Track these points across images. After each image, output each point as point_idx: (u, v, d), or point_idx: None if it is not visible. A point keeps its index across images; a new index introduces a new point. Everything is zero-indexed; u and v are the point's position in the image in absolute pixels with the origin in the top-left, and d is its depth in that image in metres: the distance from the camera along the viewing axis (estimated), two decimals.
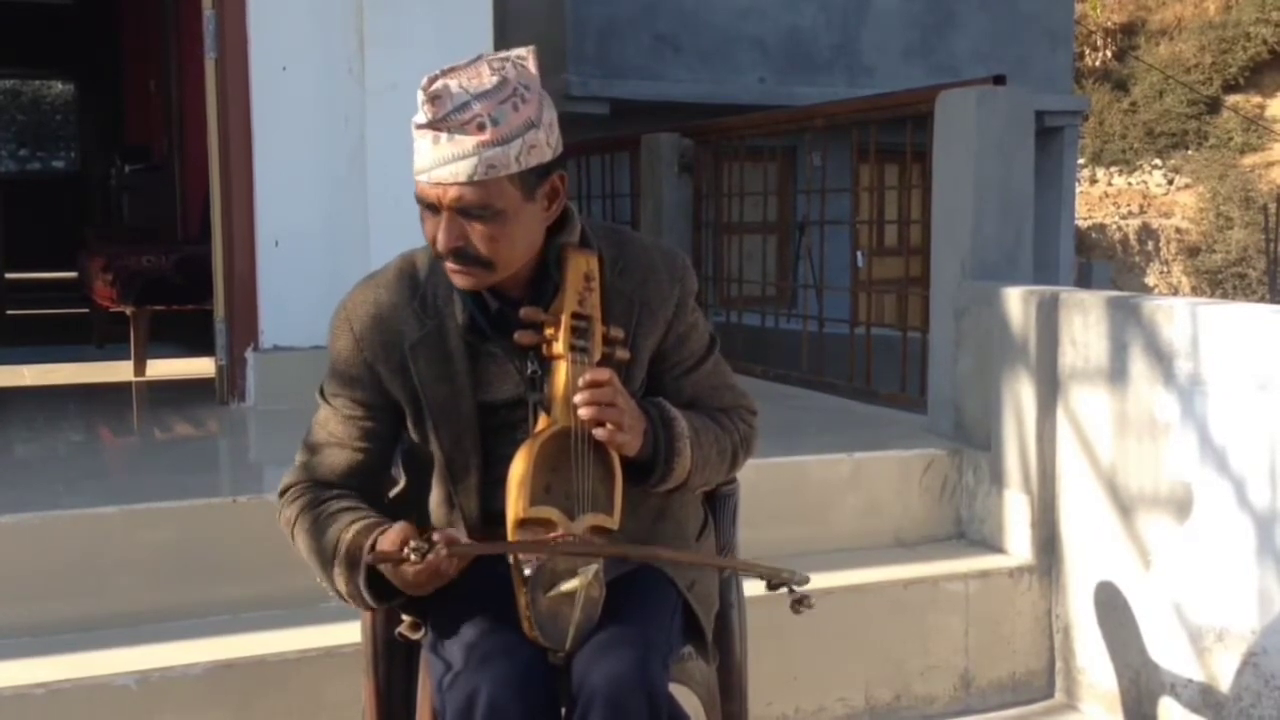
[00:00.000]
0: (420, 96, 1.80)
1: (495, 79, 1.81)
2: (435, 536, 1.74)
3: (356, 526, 1.88)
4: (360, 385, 1.96)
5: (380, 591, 1.87)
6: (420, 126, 1.80)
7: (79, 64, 11.87)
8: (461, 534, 1.93)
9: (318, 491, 1.96)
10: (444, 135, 1.78)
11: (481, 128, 1.78)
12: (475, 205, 1.80)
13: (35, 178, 13.27)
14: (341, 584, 1.90)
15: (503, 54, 1.87)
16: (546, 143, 1.84)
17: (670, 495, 2.00)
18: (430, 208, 1.84)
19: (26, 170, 13.99)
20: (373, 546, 1.82)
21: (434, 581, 1.79)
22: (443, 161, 1.79)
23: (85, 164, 12.13)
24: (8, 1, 10.30)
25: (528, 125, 1.81)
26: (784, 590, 1.88)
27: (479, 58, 1.85)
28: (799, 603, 1.87)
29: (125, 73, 10.25)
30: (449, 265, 1.86)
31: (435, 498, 1.97)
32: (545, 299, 1.90)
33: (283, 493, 2.00)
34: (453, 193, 1.80)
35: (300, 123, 4.12)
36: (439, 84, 1.79)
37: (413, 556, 1.71)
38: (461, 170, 1.78)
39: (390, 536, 1.78)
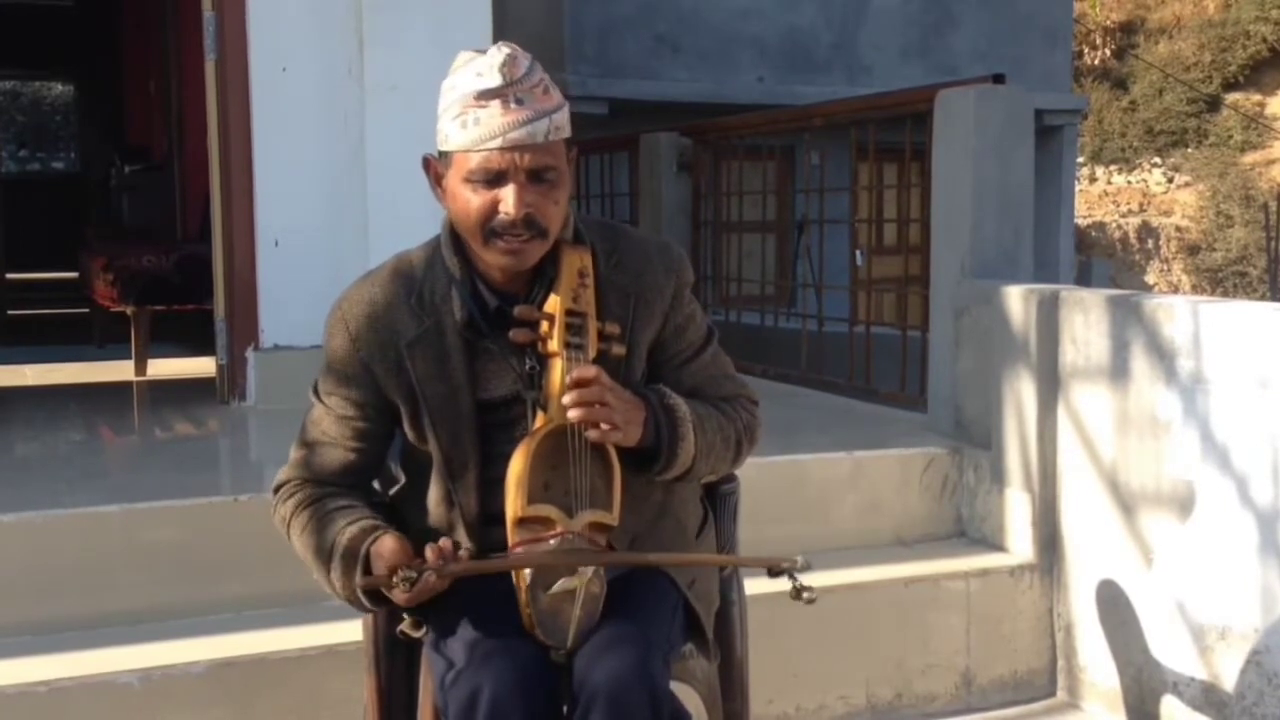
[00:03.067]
0: (480, 65, 1.82)
1: (528, 53, 1.87)
2: (429, 553, 1.77)
3: (352, 531, 1.89)
4: (355, 384, 1.96)
5: (376, 595, 1.88)
6: (489, 92, 1.81)
7: (79, 64, 11.87)
8: (461, 534, 1.94)
9: (312, 490, 1.96)
10: (513, 100, 1.81)
11: (547, 91, 1.85)
12: (547, 167, 1.84)
13: (35, 178, 13.28)
14: (339, 587, 1.91)
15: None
16: None
17: (671, 491, 2.00)
18: (492, 180, 1.83)
19: (26, 170, 13.99)
20: (367, 556, 1.84)
21: (426, 596, 1.81)
22: (518, 124, 1.81)
23: (85, 164, 12.13)
24: (8, 2, 10.30)
25: (564, 94, 1.89)
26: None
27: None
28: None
29: (125, 73, 10.24)
30: (505, 244, 1.85)
31: (434, 496, 1.97)
32: (541, 295, 1.91)
33: (277, 489, 2.01)
34: (529, 156, 1.82)
35: (300, 123, 4.12)
36: (505, 50, 1.83)
37: (401, 585, 1.75)
38: (539, 131, 1.82)
39: (382, 560, 1.80)
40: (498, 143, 1.81)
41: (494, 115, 1.80)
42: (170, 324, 5.61)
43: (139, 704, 2.47)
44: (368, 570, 1.86)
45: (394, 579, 1.74)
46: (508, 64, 1.81)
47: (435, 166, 1.92)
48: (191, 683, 2.52)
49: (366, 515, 1.91)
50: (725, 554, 2.19)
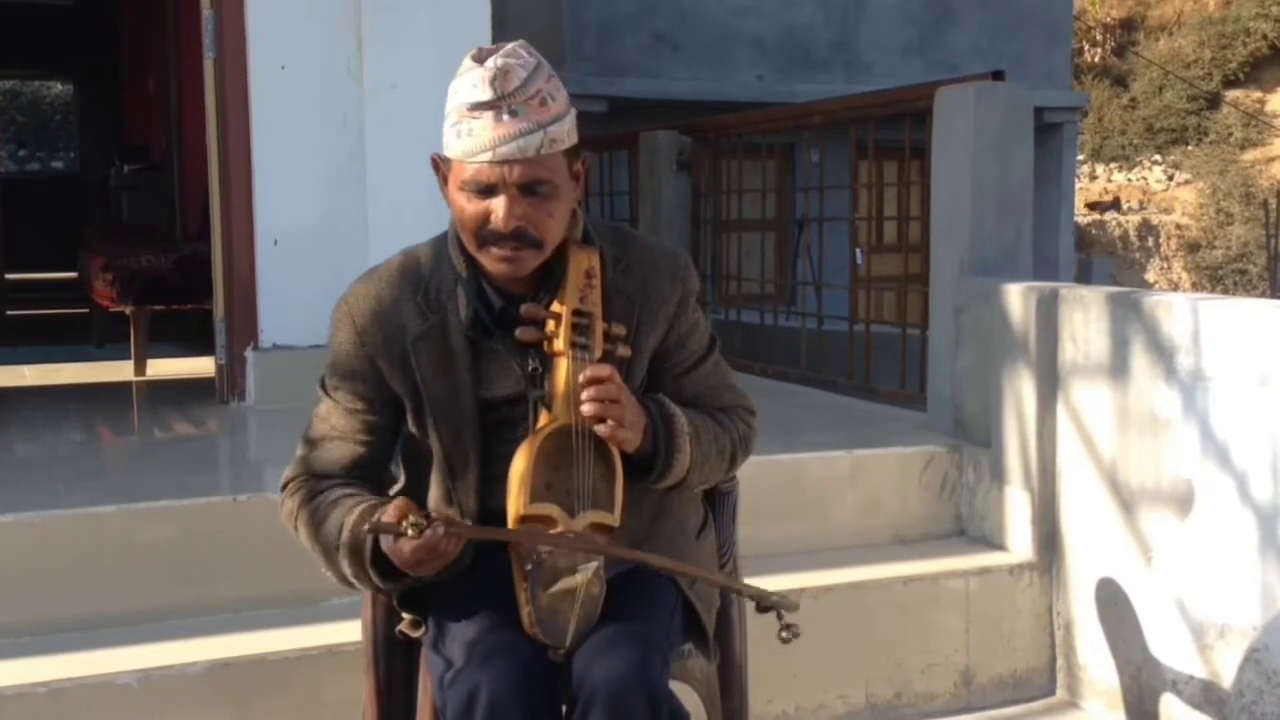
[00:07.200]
0: (475, 76, 1.81)
1: (533, 59, 1.84)
2: (434, 515, 1.74)
3: (360, 509, 1.88)
4: (361, 379, 1.96)
5: (386, 571, 1.87)
6: (481, 105, 1.80)
7: (79, 64, 11.87)
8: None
9: (318, 483, 1.96)
10: (506, 112, 1.79)
11: (544, 103, 1.82)
12: (539, 181, 1.82)
13: (35, 178, 13.27)
14: (347, 567, 1.89)
15: (499, 45, 1.88)
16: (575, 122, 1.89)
17: (669, 493, 2.00)
18: (484, 190, 1.83)
19: (26, 170, 13.99)
20: (373, 536, 1.82)
21: (432, 560, 1.78)
22: (508, 138, 1.79)
23: (85, 164, 12.13)
24: (8, 1, 10.30)
25: (569, 102, 1.87)
26: (773, 613, 1.91)
27: (500, 48, 1.85)
28: (786, 629, 1.90)
29: (125, 73, 10.26)
30: (498, 251, 1.85)
31: (434, 494, 1.97)
32: (547, 296, 1.91)
33: (284, 486, 2.00)
34: (519, 170, 1.81)
35: (299, 122, 4.12)
36: (499, 62, 1.81)
37: (410, 531, 1.71)
38: (530, 145, 1.80)
39: (391, 510, 1.77)
40: (487, 156, 1.80)
41: (485, 128, 1.80)
42: (170, 324, 5.61)
43: (138, 705, 2.47)
44: (374, 555, 1.85)
45: (403, 524, 1.71)
46: (499, 78, 1.79)
47: (441, 167, 1.91)
48: (190, 683, 2.52)
49: (371, 499, 1.90)
50: (724, 554, 2.19)
